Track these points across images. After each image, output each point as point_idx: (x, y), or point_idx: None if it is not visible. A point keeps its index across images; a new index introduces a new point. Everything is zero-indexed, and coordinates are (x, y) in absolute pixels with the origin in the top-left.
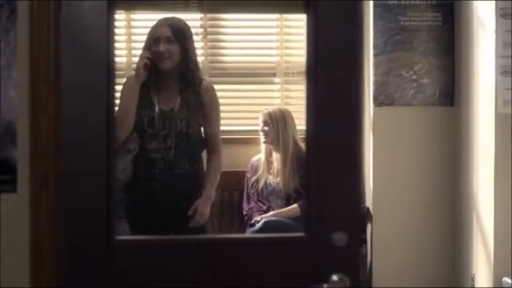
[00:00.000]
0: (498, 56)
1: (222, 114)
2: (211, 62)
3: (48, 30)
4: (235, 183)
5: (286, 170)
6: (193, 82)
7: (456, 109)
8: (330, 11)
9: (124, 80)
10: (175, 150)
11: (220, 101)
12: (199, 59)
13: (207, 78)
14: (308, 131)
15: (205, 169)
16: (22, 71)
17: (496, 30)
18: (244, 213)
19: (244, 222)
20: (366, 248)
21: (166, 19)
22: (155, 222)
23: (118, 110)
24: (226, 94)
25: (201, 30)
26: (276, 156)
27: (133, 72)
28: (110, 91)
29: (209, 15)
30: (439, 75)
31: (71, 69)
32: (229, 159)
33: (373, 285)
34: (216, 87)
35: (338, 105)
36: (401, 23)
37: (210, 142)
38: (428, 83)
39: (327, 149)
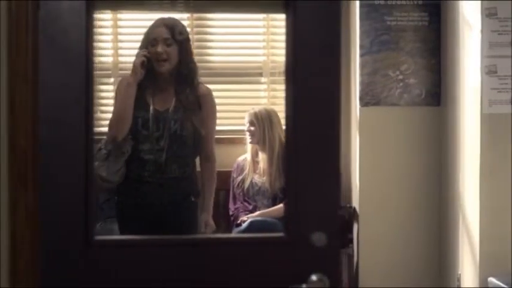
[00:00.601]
0: (484, 56)
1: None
2: (198, 61)
3: (27, 30)
4: (221, 183)
5: (272, 170)
6: (191, 84)
7: (442, 109)
8: (309, 10)
9: (111, 80)
10: (168, 152)
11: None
12: None
13: (203, 82)
14: (287, 131)
15: (197, 174)
16: (0, 70)
17: (482, 30)
18: (231, 213)
19: (230, 223)
20: (353, 247)
21: (163, 19)
22: (144, 226)
23: (115, 110)
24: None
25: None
26: (262, 156)
27: (120, 71)
28: (89, 91)
29: (196, 15)
30: (425, 75)
31: (50, 69)
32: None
33: (360, 285)
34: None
35: (317, 105)
36: (388, 23)
37: (205, 149)
38: (415, 83)
39: (306, 149)
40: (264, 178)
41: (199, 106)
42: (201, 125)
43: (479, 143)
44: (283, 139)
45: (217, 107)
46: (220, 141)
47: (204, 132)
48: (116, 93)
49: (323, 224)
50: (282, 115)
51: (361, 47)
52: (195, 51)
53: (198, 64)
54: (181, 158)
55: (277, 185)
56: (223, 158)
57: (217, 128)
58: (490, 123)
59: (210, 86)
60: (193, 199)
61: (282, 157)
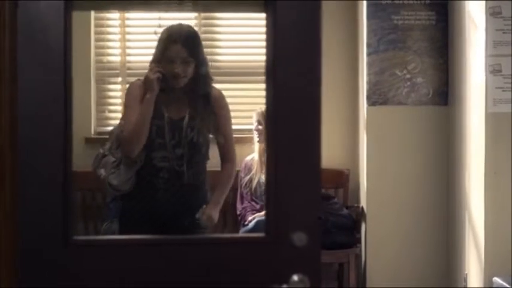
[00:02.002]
0: (488, 54)
1: None
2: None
3: (4, 28)
4: None
5: None
6: (205, 91)
7: (450, 108)
8: (289, 10)
9: (119, 79)
10: (185, 160)
11: None
12: None
13: (216, 86)
14: (268, 131)
15: (207, 182)
16: None
17: (486, 29)
18: (238, 212)
19: (237, 222)
20: (360, 247)
21: (179, 33)
22: (151, 232)
23: (130, 124)
24: None
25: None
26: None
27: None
28: (67, 89)
29: (203, 14)
30: (433, 74)
31: (28, 67)
32: None
33: (367, 284)
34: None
35: (298, 105)
36: (395, 22)
37: (224, 151)
38: (422, 82)
39: (287, 149)
40: None
41: (214, 112)
42: (217, 131)
43: (484, 142)
44: None
45: None
46: None
47: (221, 136)
48: (126, 101)
49: (304, 224)
50: None
51: (368, 46)
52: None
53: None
54: (196, 165)
55: None
56: None
57: None
58: (494, 122)
59: (218, 86)
60: (212, 199)
61: None
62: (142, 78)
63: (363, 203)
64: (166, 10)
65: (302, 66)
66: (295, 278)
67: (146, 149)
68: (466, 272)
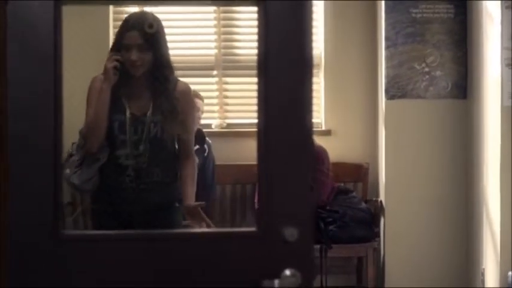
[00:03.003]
0: (503, 47)
1: (235, 107)
2: (224, 54)
3: None
4: (248, 176)
5: None
6: (167, 85)
7: (469, 102)
8: (280, 3)
9: None
10: (148, 157)
11: (234, 93)
12: (212, 51)
13: (180, 78)
14: (259, 125)
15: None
16: None
17: (502, 22)
18: (256, 206)
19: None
20: (379, 241)
21: (133, 20)
22: None
23: (88, 117)
24: (239, 87)
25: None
26: None
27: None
28: (58, 85)
29: (222, 8)
30: (451, 67)
31: (17, 63)
32: (241, 152)
33: (385, 278)
34: (229, 79)
35: (289, 99)
36: (413, 15)
37: (184, 148)
38: (441, 75)
39: (278, 144)
40: None
41: (178, 107)
42: (180, 125)
43: (500, 136)
44: None
45: (243, 100)
46: (247, 134)
47: (184, 132)
48: (88, 96)
49: (295, 218)
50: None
51: (386, 39)
52: (222, 44)
53: (225, 57)
54: (163, 162)
55: None
56: (248, 151)
57: (244, 121)
58: (510, 115)
59: (237, 79)
60: (177, 204)
61: None
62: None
63: (382, 197)
64: (157, 4)
65: (293, 59)
66: (287, 272)
67: (110, 147)
68: (483, 267)
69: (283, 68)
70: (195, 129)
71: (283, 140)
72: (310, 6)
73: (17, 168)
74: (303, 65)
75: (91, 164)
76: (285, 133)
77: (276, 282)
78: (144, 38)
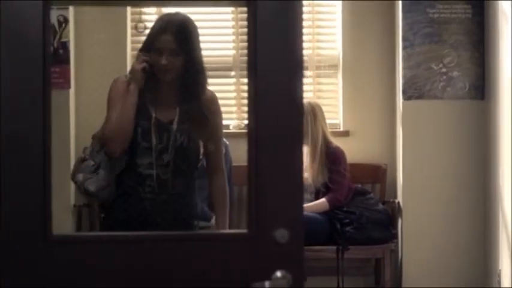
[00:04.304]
0: None
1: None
2: (242, 55)
3: None
4: None
5: (315, 165)
6: (198, 92)
7: (486, 103)
8: (270, 3)
9: None
10: (172, 167)
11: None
12: (230, 52)
13: (209, 87)
14: (249, 125)
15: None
16: None
17: None
18: None
19: None
20: (396, 242)
21: (171, 22)
22: None
23: (110, 120)
24: None
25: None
26: (305, 151)
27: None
28: (46, 85)
29: (240, 9)
30: (469, 68)
31: (7, 62)
32: None
33: (403, 280)
34: (244, 80)
35: (280, 100)
36: (431, 15)
37: (212, 160)
38: (458, 76)
39: (268, 145)
40: (306, 174)
41: (206, 116)
42: (209, 137)
43: None
44: (326, 133)
45: None
46: None
47: (212, 143)
48: (110, 98)
49: (286, 220)
50: (326, 109)
51: (403, 39)
52: (239, 44)
53: (243, 58)
54: (185, 173)
55: (319, 179)
56: None
57: None
58: None
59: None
60: (195, 223)
61: (325, 151)
62: (128, 74)
63: (400, 198)
64: (148, 5)
65: (283, 59)
66: (277, 274)
67: (130, 154)
68: (499, 268)
69: (273, 68)
70: (222, 138)
71: (274, 141)
72: (301, 6)
73: (7, 169)
74: (294, 65)
75: (108, 171)
76: (275, 134)
77: (267, 283)
78: (177, 43)
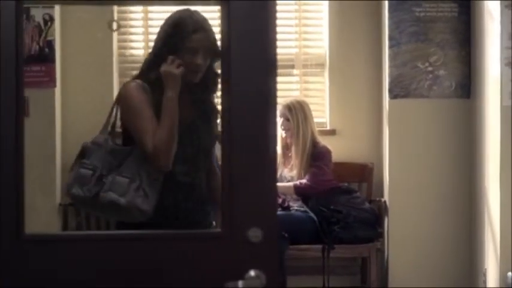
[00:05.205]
0: (503, 47)
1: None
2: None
3: None
4: None
5: (302, 163)
6: (216, 89)
7: (472, 101)
8: (243, 2)
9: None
10: (201, 173)
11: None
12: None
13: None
14: (222, 124)
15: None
16: None
17: (501, 21)
18: None
19: None
20: (383, 241)
21: (201, 20)
22: None
23: (146, 133)
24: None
25: (116, 24)
26: (293, 150)
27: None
28: (19, 84)
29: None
30: (455, 67)
31: None
32: None
33: (389, 279)
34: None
35: (253, 99)
36: (417, 14)
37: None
38: (445, 74)
39: (241, 143)
40: (294, 172)
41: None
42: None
43: (499, 136)
44: (315, 132)
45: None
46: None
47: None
48: (135, 106)
49: (259, 219)
50: (312, 107)
51: (390, 38)
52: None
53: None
54: (207, 177)
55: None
56: None
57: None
58: (509, 115)
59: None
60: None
61: (312, 150)
62: (135, 79)
63: (386, 197)
64: (119, 4)
65: (256, 59)
66: (251, 273)
67: None
68: (485, 267)
69: (246, 67)
70: None
71: (248, 140)
72: (274, 5)
73: None
74: (267, 64)
75: (153, 185)
76: (249, 133)
77: (240, 283)
78: (211, 40)
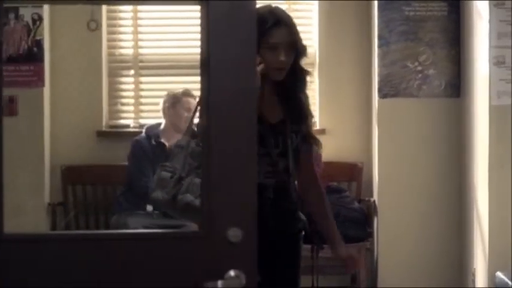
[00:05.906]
0: (492, 46)
1: None
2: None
3: None
4: None
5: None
6: (304, 88)
7: (462, 101)
8: (222, 3)
9: (131, 72)
10: (288, 174)
11: None
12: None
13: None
14: (202, 124)
15: None
16: None
17: (490, 20)
18: None
19: None
20: (372, 241)
21: (282, 14)
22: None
23: None
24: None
25: (95, 23)
26: None
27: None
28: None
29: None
30: (445, 66)
31: None
32: None
33: (378, 278)
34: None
35: (233, 98)
36: (406, 13)
37: (307, 158)
38: (434, 74)
39: (221, 143)
40: None
41: (311, 111)
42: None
43: (488, 135)
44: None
45: None
46: None
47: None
48: None
49: (239, 219)
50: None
51: (379, 37)
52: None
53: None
54: (293, 178)
55: None
56: None
57: None
58: (498, 115)
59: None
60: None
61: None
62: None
63: (375, 196)
64: (99, 3)
65: (236, 59)
66: (231, 273)
67: None
68: (474, 267)
69: (226, 67)
70: None
71: (227, 139)
72: (253, 5)
73: None
74: (246, 65)
75: None
76: (229, 132)
77: (220, 283)
78: (294, 35)
